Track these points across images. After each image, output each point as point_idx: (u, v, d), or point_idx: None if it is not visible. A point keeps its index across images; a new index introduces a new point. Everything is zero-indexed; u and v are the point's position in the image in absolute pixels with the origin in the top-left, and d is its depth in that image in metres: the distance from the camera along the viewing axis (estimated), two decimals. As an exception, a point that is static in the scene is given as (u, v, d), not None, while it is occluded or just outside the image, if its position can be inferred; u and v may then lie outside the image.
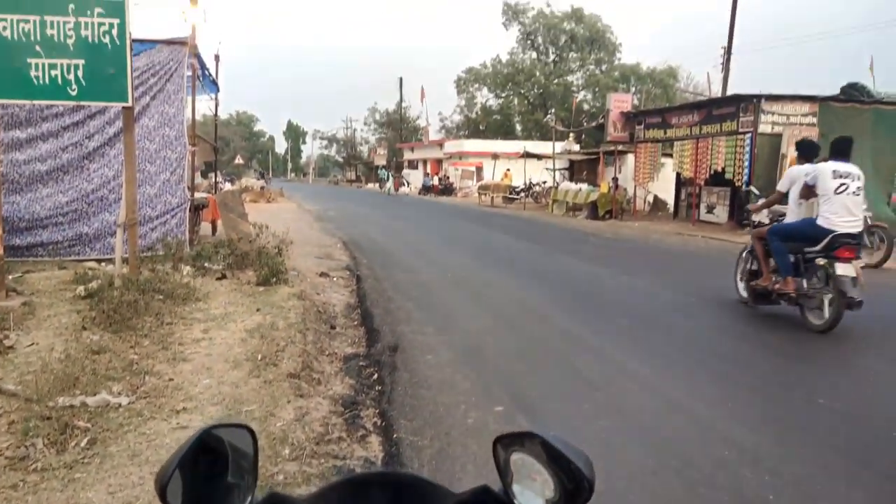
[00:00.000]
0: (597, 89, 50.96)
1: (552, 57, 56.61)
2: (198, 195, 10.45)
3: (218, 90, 11.38)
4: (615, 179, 19.06)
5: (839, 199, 5.65)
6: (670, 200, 20.35)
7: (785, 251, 5.99)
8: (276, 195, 28.37)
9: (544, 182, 28.70)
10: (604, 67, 53.64)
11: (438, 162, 44.77)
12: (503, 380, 4.38)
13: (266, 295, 6.46)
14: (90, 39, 5.97)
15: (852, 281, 5.49)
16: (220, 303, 6.05)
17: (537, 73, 53.60)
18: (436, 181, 36.06)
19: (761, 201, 6.67)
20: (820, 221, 5.70)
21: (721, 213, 16.48)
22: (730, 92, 23.36)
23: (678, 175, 18.31)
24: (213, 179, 14.27)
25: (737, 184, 14.54)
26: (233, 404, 3.73)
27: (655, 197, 20.26)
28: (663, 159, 19.37)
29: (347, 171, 73.57)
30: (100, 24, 5.99)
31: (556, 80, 54.47)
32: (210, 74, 10.45)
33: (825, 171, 5.73)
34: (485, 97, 58.56)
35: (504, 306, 6.72)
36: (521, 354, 4.99)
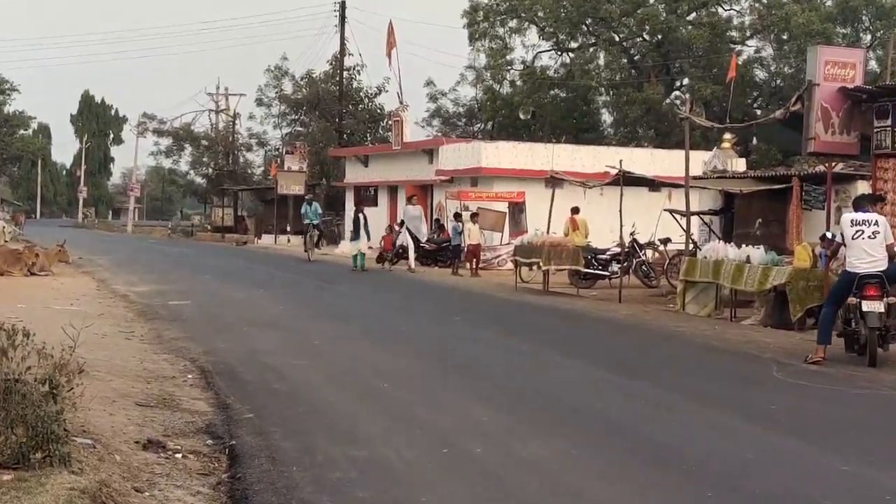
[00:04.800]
0: (785, 36, 52.18)
1: (684, -37, 58.40)
2: None
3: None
4: (829, 239, 19.12)
5: (856, 243, 13.80)
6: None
7: (828, 319, 14.28)
8: (49, 258, 28.48)
9: (664, 241, 28.79)
10: (799, -11, 55.20)
11: (424, 189, 45.29)
12: None
13: (18, 493, 6.36)
14: None
15: (878, 316, 13.50)
16: None
17: (651, 0, 55.12)
18: (471, 233, 33.87)
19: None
20: (846, 267, 14.14)
21: None
22: None
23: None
24: None
25: None
26: None
27: (920, 280, 20.35)
28: (937, 195, 19.48)
29: (216, 205, 74.12)
30: None
31: (691, 15, 55.84)
32: None
33: (845, 220, 14.12)
34: (531, 47, 60.12)
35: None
36: None
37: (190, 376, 12.10)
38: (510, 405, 10.95)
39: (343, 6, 63.12)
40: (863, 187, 21.54)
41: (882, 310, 13.62)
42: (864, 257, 13.78)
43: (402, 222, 36.62)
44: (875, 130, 18.70)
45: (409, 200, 39.09)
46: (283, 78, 68.21)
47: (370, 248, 35.65)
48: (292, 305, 21.62)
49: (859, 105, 18.96)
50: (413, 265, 34.22)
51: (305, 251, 39.79)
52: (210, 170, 75.56)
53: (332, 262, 38.62)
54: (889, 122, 18.43)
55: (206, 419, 9.72)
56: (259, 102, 69.84)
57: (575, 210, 29.65)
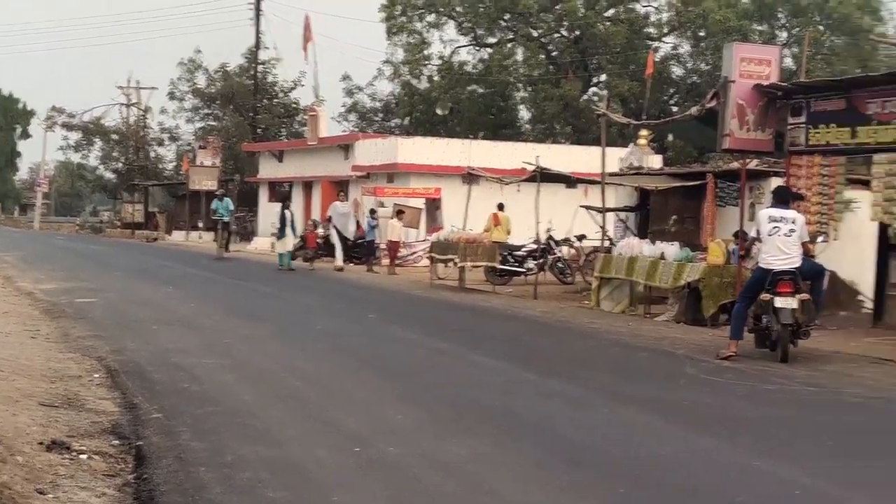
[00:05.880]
0: (702, 33, 52.79)
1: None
2: None
3: None
4: (741, 235, 19.38)
5: (771, 240, 14.15)
6: (866, 284, 20.72)
7: (741, 314, 14.66)
8: (-47, 254, 27.95)
9: (580, 237, 29.01)
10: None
11: (340, 185, 45.22)
12: None
13: (-87, 496, 6.25)
14: None
15: (791, 312, 13.87)
16: None
17: (568, -4, 55.59)
18: (392, 229, 33.79)
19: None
20: (761, 264, 14.41)
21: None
22: None
23: (883, 229, 18.75)
24: None
25: None
26: None
27: (833, 276, 20.65)
28: (850, 192, 19.79)
29: (126, 201, 73.32)
30: None
31: (610, 11, 56.23)
32: None
33: (763, 216, 14.51)
34: (449, 42, 60.16)
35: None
36: None
37: (97, 376, 11.92)
38: (425, 404, 10.98)
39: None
40: (776, 184, 21.91)
41: (795, 306, 13.98)
42: (779, 254, 14.16)
43: (330, 218, 36.14)
44: (789, 128, 18.98)
45: (337, 196, 38.51)
46: (197, 71, 67.69)
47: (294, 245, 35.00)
48: (204, 303, 21.42)
49: (774, 102, 19.23)
50: (341, 263, 33.92)
51: (217, 248, 39.20)
52: (120, 165, 74.69)
53: (245, 260, 38.43)
54: (803, 119, 18.73)
55: (112, 419, 9.58)
56: (171, 96, 69.21)
57: (500, 207, 29.83)
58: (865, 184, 18.94)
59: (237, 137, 61.32)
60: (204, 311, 19.75)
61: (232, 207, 42.01)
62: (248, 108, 63.13)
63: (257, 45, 63.00)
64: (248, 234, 52.38)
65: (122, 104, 77.14)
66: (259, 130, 61.75)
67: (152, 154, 75.44)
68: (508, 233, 29.41)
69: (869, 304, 20.45)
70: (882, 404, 11.62)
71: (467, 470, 8.18)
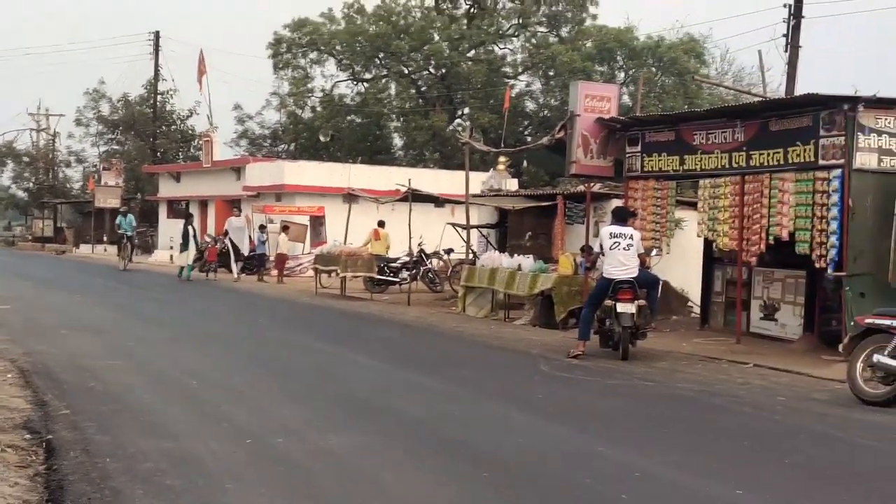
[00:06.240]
0: (551, 73, 53.55)
1: (465, 5, 59.27)
2: None
3: None
4: (587, 250, 19.68)
5: (612, 253, 14.58)
6: (694, 292, 21.19)
7: (588, 318, 14.89)
8: None
9: (448, 251, 29.20)
10: (565, 31, 56.79)
11: (232, 203, 44.69)
12: None
13: None
14: None
15: (630, 316, 14.32)
16: None
17: (436, 37, 55.83)
18: (280, 243, 34.02)
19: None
20: (604, 274, 14.84)
21: (789, 320, 17.31)
22: (801, 89, 25.07)
23: (708, 244, 19.22)
24: None
25: (817, 264, 15.45)
26: None
27: (665, 285, 21.09)
28: (680, 212, 20.30)
29: (37, 217, 71.50)
30: None
31: (471, 52, 56.69)
32: None
33: (605, 233, 14.94)
34: (330, 77, 60.04)
35: None
36: None
37: (10, 376, 11.58)
38: (310, 400, 10.91)
39: (157, 36, 62.14)
40: (616, 205, 22.34)
41: (633, 311, 14.42)
42: (619, 266, 14.57)
43: (227, 232, 35.60)
44: (627, 156, 19.33)
45: (232, 211, 37.86)
46: (101, 100, 66.34)
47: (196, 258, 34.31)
48: (109, 311, 20.95)
49: (614, 133, 19.58)
50: (237, 274, 33.44)
51: (121, 260, 38.38)
52: (31, 184, 73.06)
53: (147, 271, 37.65)
54: (639, 148, 19.09)
55: (24, 416, 9.33)
56: (78, 122, 67.59)
57: (381, 224, 29.90)
58: (692, 205, 19.43)
59: (138, 160, 60.37)
60: (109, 318, 19.32)
61: (134, 223, 41.18)
62: (149, 134, 62.22)
63: (156, 77, 62.27)
64: (149, 248, 51.48)
65: (33, 129, 75.50)
66: (158, 154, 60.86)
67: (60, 175, 73.87)
68: (388, 248, 29.46)
69: (697, 310, 20.97)
70: (708, 397, 11.83)
71: (349, 460, 8.14)
